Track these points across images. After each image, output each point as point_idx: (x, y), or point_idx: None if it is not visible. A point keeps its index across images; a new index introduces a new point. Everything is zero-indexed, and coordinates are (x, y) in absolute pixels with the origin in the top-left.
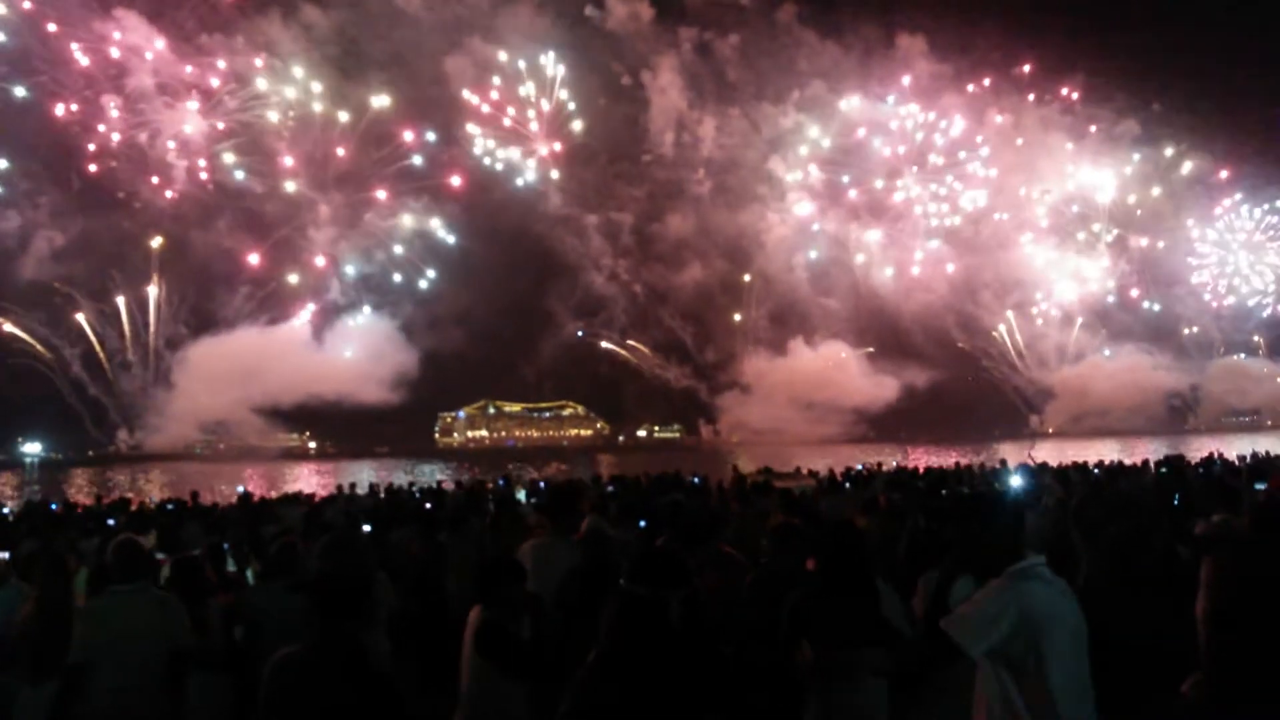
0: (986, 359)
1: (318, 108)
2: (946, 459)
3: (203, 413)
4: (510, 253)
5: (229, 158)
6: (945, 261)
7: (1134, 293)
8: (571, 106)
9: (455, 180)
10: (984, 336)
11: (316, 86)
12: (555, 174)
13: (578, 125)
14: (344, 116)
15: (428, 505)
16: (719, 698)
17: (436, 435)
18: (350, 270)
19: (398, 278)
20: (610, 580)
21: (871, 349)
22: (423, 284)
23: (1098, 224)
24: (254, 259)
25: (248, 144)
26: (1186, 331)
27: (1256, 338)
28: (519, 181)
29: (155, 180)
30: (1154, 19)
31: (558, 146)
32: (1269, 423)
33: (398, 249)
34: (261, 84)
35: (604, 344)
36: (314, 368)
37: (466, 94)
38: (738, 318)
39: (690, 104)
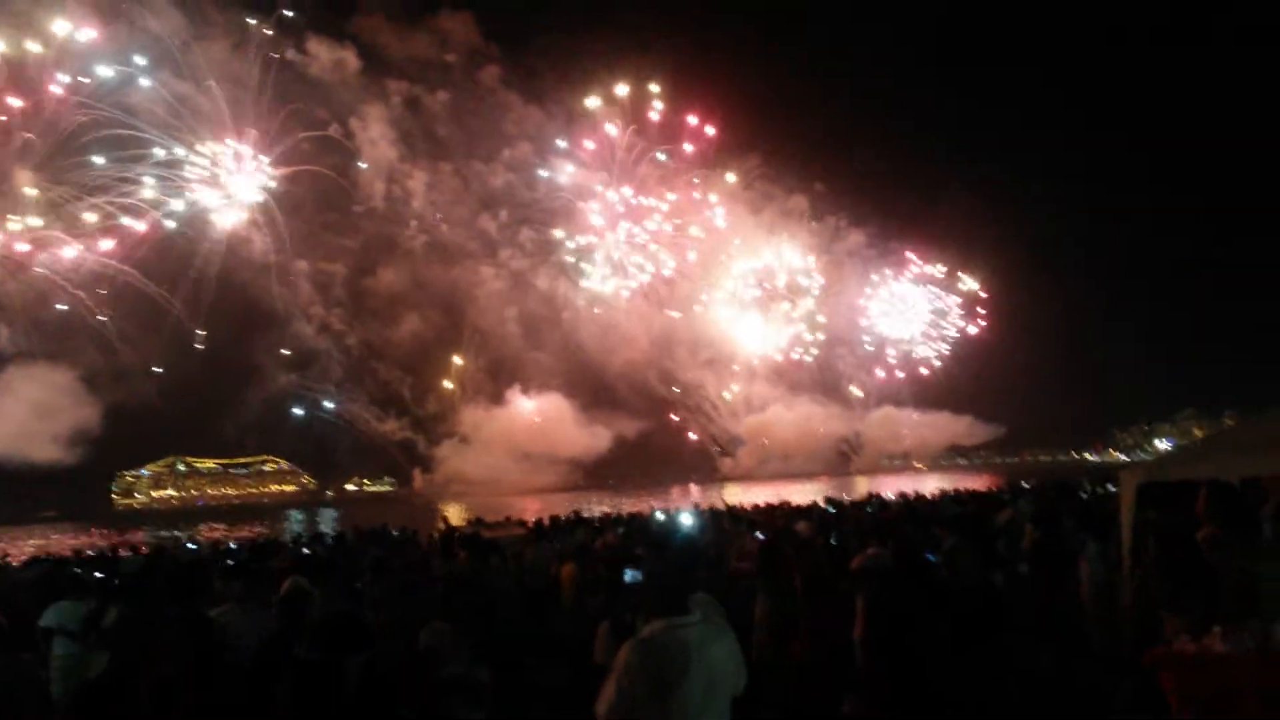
0: (684, 410)
1: None
2: (645, 505)
3: None
4: (209, 299)
5: None
6: (646, 319)
7: (807, 351)
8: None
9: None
10: (682, 389)
11: None
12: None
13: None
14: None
15: (97, 575)
16: None
17: (115, 496)
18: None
19: (75, 324)
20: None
21: (582, 401)
22: (105, 331)
23: (776, 288)
24: None
25: None
26: (851, 385)
27: (902, 385)
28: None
29: None
30: (817, 107)
31: (263, 184)
32: (916, 465)
33: (79, 293)
34: None
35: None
36: None
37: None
38: (448, 384)
39: (401, 157)
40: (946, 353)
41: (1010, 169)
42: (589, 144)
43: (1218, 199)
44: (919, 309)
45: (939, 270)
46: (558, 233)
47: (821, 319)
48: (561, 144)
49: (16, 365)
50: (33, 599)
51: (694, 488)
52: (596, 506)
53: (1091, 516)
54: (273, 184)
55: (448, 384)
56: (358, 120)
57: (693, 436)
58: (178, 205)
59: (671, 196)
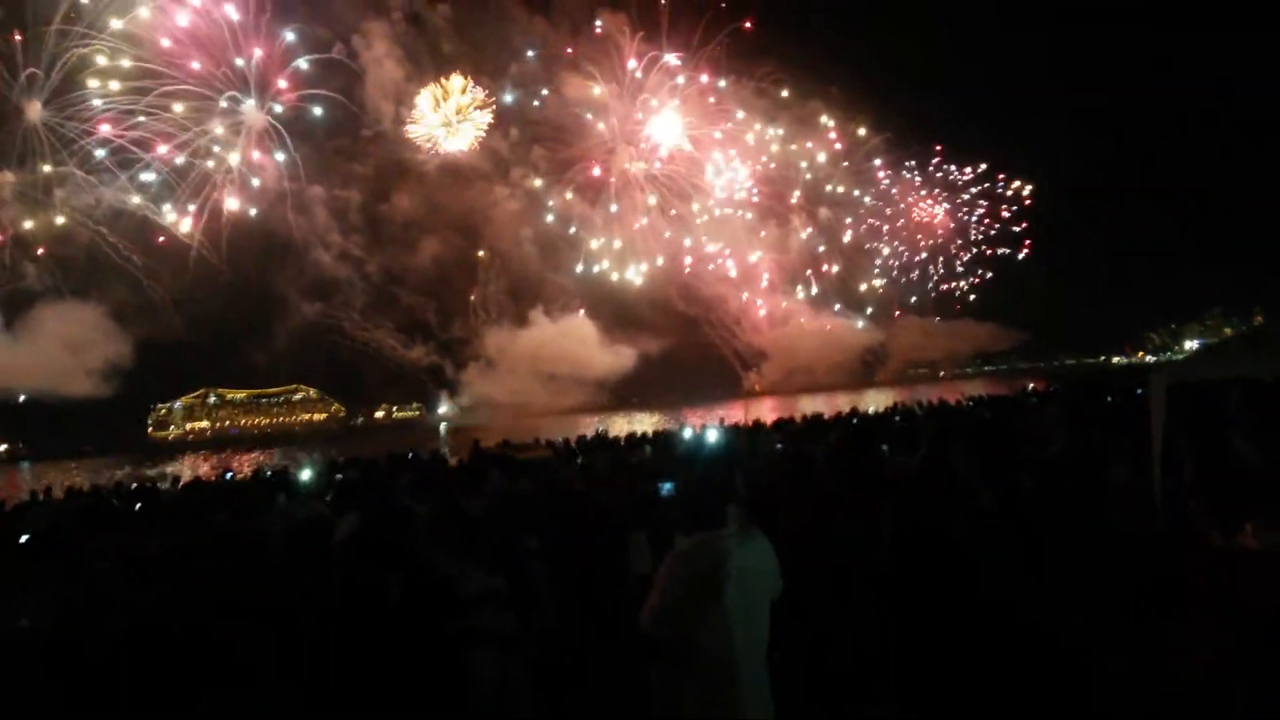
0: (707, 325)
1: None
2: (672, 422)
3: None
4: (227, 230)
5: None
6: (662, 234)
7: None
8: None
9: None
10: (703, 304)
11: None
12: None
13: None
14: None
15: (138, 506)
16: (444, 671)
17: (150, 429)
18: (46, 251)
19: (100, 260)
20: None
21: (604, 321)
22: (129, 266)
23: (792, 201)
24: None
25: None
26: (867, 287)
27: (914, 299)
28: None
29: None
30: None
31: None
32: (942, 373)
33: (102, 229)
34: None
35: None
36: (5, 360)
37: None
38: (473, 297)
39: (408, 77)
40: (978, 272)
41: (1036, 66)
42: (570, 53)
43: (1247, 95)
44: (950, 216)
45: (968, 173)
46: (537, 181)
47: (838, 227)
48: (530, 54)
49: (45, 302)
50: (72, 531)
51: (718, 404)
52: (624, 425)
53: (1121, 418)
54: (278, 107)
55: (473, 298)
56: (360, 39)
57: (717, 352)
58: (187, 136)
59: (673, 104)
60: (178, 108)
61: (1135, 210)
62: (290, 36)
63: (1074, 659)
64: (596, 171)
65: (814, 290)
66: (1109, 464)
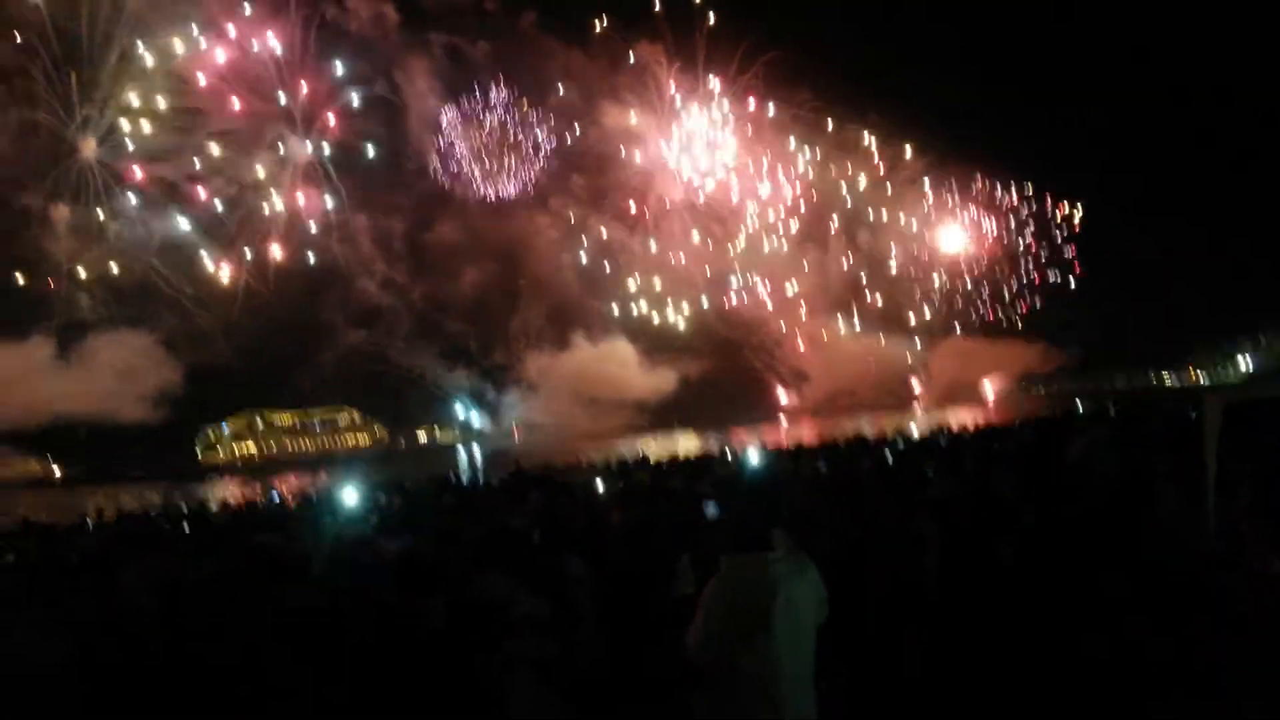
0: (747, 348)
1: None
2: (713, 445)
3: None
4: (274, 260)
5: None
6: (701, 260)
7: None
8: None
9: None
10: (743, 327)
11: None
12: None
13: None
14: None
15: (186, 529)
16: (482, 695)
17: (199, 453)
18: (99, 283)
19: (151, 290)
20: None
21: (645, 344)
22: (180, 296)
23: (829, 226)
24: None
25: None
26: (916, 321)
27: (957, 327)
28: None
29: None
30: (866, 38)
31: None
32: (989, 395)
33: (154, 261)
34: None
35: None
36: (61, 387)
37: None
38: (514, 322)
39: (448, 108)
40: (1025, 297)
41: (1084, 83)
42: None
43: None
44: (997, 241)
45: (1015, 195)
46: (571, 217)
47: (877, 248)
48: (560, 88)
49: (99, 332)
50: (120, 554)
51: (760, 425)
52: (665, 446)
53: (1172, 440)
54: (325, 145)
55: (511, 333)
56: (402, 74)
57: (757, 374)
58: (232, 174)
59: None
60: (214, 148)
61: (1187, 228)
62: (340, 69)
63: (1124, 692)
64: (633, 208)
65: (856, 322)
66: (1160, 487)
